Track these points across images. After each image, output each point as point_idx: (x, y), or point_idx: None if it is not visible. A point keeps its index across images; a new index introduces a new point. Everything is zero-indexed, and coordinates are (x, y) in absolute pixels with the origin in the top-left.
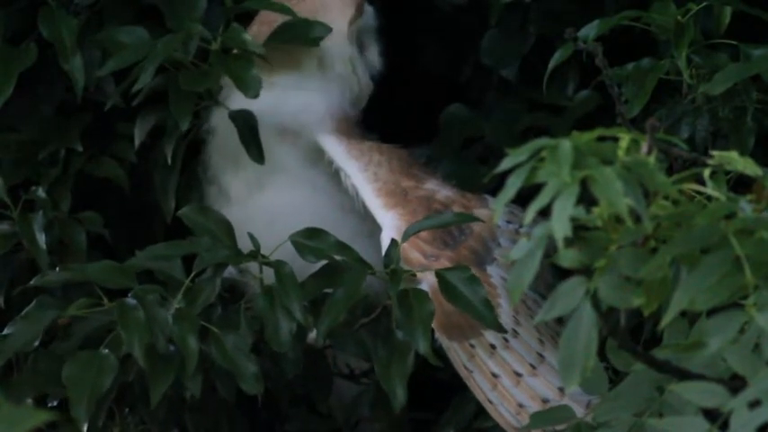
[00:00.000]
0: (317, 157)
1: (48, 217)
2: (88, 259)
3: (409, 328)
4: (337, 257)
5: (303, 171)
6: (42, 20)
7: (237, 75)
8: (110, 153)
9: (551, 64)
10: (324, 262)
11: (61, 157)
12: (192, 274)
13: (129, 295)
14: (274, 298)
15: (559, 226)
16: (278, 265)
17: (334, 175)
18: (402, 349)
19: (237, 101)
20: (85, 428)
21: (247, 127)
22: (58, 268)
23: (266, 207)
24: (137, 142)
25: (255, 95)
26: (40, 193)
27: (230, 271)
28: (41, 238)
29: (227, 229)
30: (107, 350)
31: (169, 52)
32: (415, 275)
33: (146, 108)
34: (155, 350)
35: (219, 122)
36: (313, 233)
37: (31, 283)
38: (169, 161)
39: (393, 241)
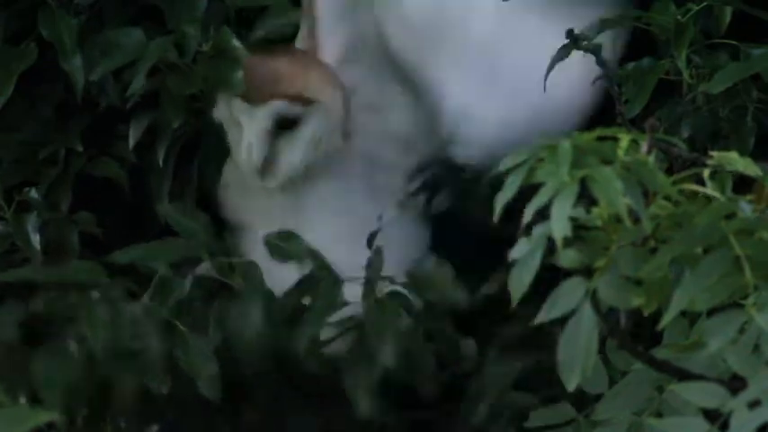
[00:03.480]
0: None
1: (42, 218)
2: (81, 260)
3: (378, 338)
4: (306, 261)
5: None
6: (42, 20)
7: (221, 76)
8: (110, 153)
9: (551, 63)
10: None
11: (61, 157)
12: (160, 272)
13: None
14: (239, 300)
15: (558, 226)
16: (247, 267)
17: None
18: (369, 359)
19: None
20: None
21: (217, 148)
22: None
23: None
24: (131, 143)
25: (257, 103)
26: (34, 194)
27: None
28: (35, 239)
29: (209, 227)
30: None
31: (161, 54)
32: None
33: (140, 108)
34: (119, 347)
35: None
36: (288, 236)
37: None
38: (161, 163)
39: (377, 249)
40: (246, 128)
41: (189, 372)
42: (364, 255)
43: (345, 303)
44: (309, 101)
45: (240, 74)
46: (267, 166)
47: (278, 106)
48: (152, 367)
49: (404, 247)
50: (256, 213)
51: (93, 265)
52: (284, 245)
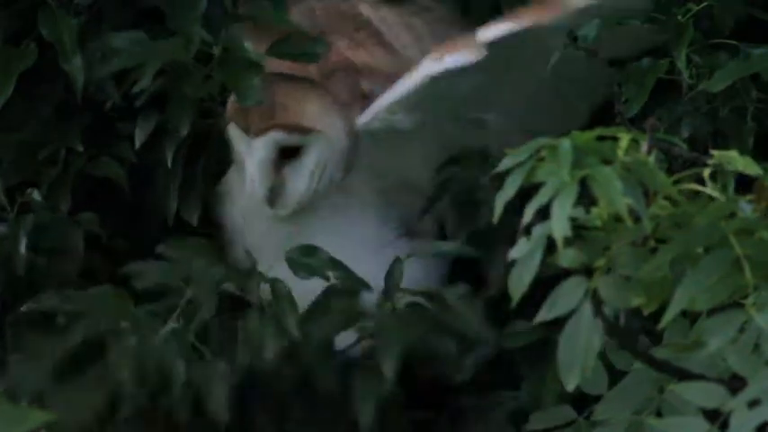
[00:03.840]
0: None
1: (43, 219)
2: (84, 261)
3: (382, 349)
4: (330, 274)
5: (341, 226)
6: (42, 20)
7: (237, 82)
8: (110, 153)
9: (551, 62)
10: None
11: (61, 157)
12: (188, 294)
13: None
14: (265, 316)
15: (558, 225)
16: (274, 283)
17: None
18: (374, 370)
19: None
20: None
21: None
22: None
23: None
24: (137, 143)
25: (254, 104)
26: (36, 195)
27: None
28: (23, 243)
29: (215, 250)
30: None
31: (168, 56)
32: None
33: (147, 109)
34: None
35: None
36: (308, 250)
37: (24, 308)
38: (169, 164)
39: (397, 260)
40: (247, 160)
41: (202, 392)
42: (362, 269)
43: (363, 314)
44: (308, 130)
45: (258, 81)
46: (275, 194)
47: (276, 137)
48: (175, 395)
49: (413, 276)
50: (258, 237)
51: (120, 292)
52: (307, 260)
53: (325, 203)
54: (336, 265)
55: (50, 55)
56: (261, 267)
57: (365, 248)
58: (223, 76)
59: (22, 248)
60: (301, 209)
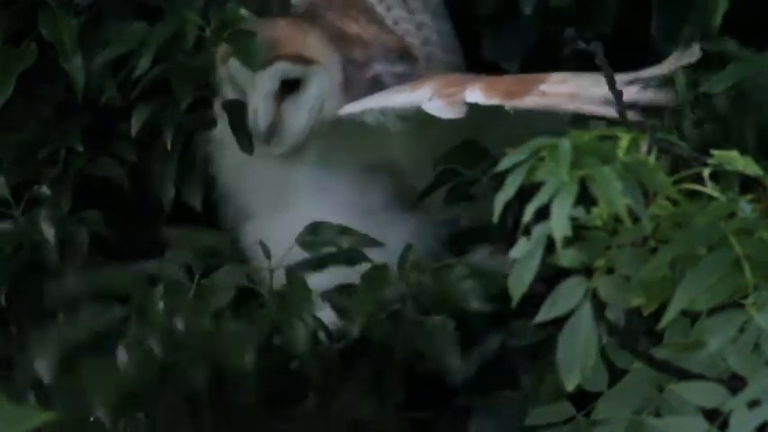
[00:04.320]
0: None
1: (52, 215)
2: (89, 259)
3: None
4: (342, 243)
5: (327, 185)
6: (42, 20)
7: (240, 47)
8: (110, 153)
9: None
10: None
11: (61, 156)
12: (198, 277)
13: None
14: (286, 301)
15: (558, 225)
16: (289, 270)
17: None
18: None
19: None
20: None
21: (238, 117)
22: (67, 274)
23: (289, 224)
24: (133, 132)
25: (260, 68)
26: (45, 190)
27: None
28: (50, 233)
29: (224, 240)
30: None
31: (163, 38)
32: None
33: (141, 101)
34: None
35: (225, 135)
36: (315, 228)
37: (45, 291)
38: (168, 146)
39: (408, 245)
40: (251, 94)
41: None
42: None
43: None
44: (310, 61)
45: (259, 42)
46: (272, 130)
47: (281, 68)
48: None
49: (399, 235)
50: (249, 189)
51: (134, 275)
52: (315, 237)
53: (313, 159)
54: (345, 231)
55: (50, 55)
56: (253, 224)
57: (352, 212)
58: (226, 41)
59: (51, 239)
60: (294, 153)
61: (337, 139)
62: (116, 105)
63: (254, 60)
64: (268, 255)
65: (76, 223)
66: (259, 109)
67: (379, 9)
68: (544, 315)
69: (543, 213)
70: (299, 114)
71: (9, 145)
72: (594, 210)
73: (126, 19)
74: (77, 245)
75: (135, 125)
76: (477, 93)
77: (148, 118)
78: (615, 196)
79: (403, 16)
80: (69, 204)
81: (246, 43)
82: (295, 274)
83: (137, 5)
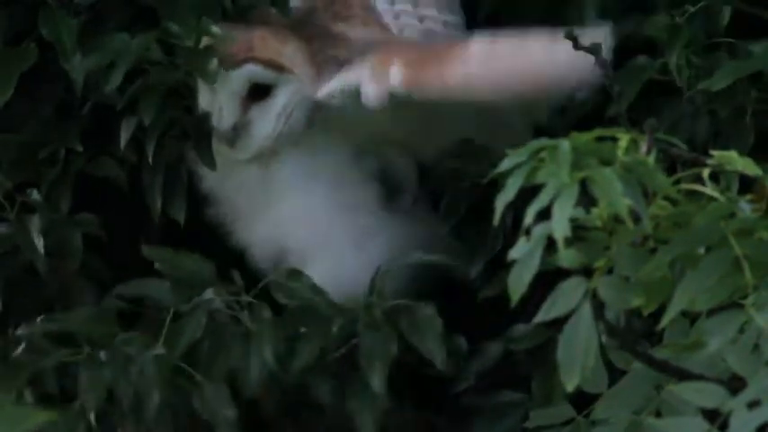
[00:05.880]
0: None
1: (45, 219)
2: (85, 262)
3: (369, 362)
4: (311, 298)
5: (311, 184)
6: (42, 20)
7: (200, 66)
8: (110, 153)
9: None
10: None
11: (61, 157)
12: (171, 312)
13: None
14: (250, 341)
15: (559, 226)
16: (256, 308)
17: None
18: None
19: None
20: None
21: (202, 133)
22: (40, 318)
23: (273, 224)
24: (122, 142)
25: (230, 67)
26: (36, 195)
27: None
28: (39, 243)
29: (204, 264)
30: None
31: (140, 52)
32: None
33: (132, 107)
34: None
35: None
36: (293, 273)
37: (18, 332)
38: (150, 160)
39: (378, 270)
40: (219, 92)
41: (209, 419)
42: (335, 227)
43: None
44: (282, 68)
45: (215, 63)
46: (238, 134)
47: (252, 70)
48: (148, 421)
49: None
50: (230, 187)
51: (106, 315)
52: (290, 284)
53: (294, 160)
54: (317, 290)
55: (50, 55)
56: (240, 226)
57: (336, 210)
58: (188, 61)
59: (41, 248)
60: (261, 155)
61: (320, 132)
62: (115, 106)
63: (210, 80)
64: (241, 286)
65: (71, 227)
66: (224, 108)
67: (381, 1)
68: (544, 315)
69: (541, 214)
70: (266, 121)
71: (9, 145)
72: (594, 210)
73: (124, 21)
74: (71, 249)
75: (124, 132)
76: (397, 75)
77: (134, 132)
78: (616, 197)
79: (406, 9)
80: (69, 205)
81: (204, 63)
82: (261, 310)
83: (136, 6)
